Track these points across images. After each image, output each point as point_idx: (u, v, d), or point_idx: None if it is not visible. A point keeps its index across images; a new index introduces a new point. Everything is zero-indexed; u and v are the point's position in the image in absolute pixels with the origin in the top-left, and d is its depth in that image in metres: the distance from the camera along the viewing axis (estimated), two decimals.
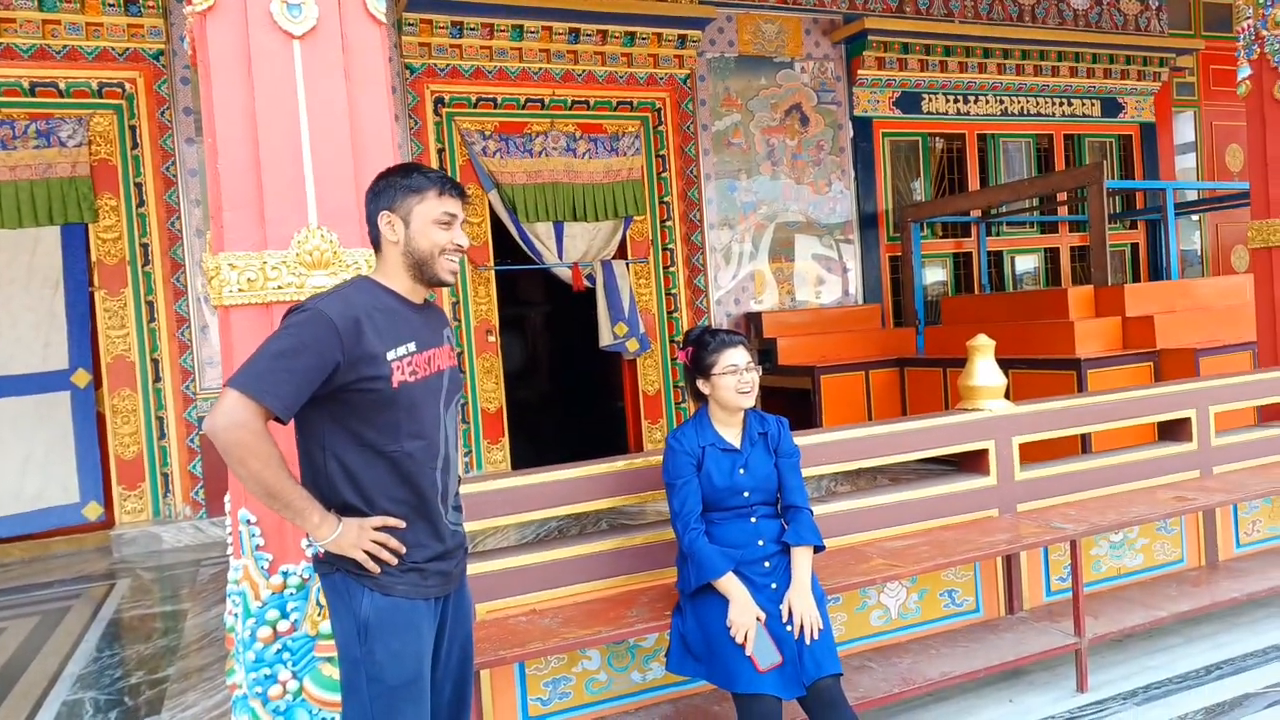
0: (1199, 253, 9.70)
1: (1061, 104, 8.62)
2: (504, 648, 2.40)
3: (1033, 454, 3.61)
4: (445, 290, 6.62)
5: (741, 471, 2.50)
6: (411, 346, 1.81)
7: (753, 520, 2.49)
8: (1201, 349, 5.72)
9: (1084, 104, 8.72)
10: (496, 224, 6.93)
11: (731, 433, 2.57)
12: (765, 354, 7.44)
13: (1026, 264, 8.98)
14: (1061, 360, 5.86)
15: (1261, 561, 3.82)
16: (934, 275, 8.52)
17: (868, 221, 7.98)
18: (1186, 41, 8.80)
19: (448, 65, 6.54)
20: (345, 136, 2.42)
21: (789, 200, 7.72)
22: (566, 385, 9.83)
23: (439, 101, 6.61)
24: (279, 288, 2.33)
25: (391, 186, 1.86)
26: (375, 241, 1.89)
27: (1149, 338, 5.93)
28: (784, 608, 2.36)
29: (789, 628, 2.35)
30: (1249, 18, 4.22)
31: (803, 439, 3.00)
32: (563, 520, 5.34)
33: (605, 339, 7.23)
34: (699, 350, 2.57)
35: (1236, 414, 4.18)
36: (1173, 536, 3.78)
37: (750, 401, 2.54)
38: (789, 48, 7.66)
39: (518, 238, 7.00)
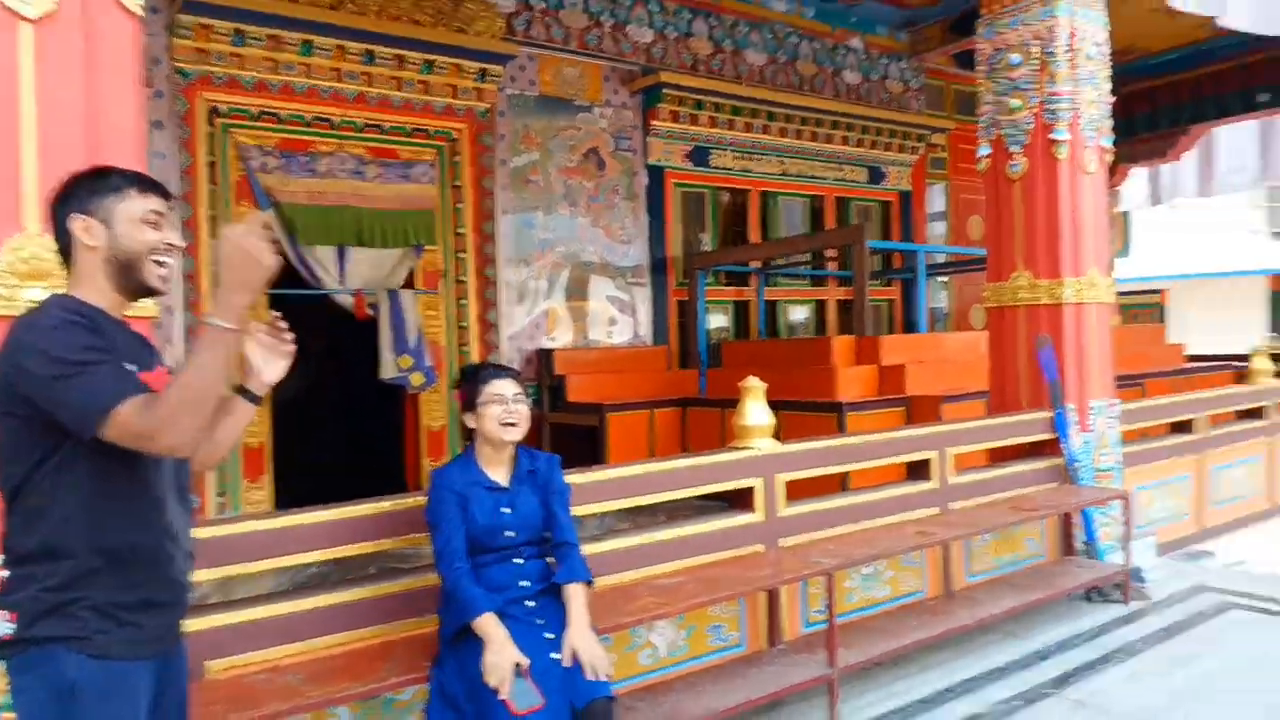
0: (946, 310, 10.79)
1: (833, 169, 9.35)
2: (235, 710, 2.18)
3: (800, 491, 3.82)
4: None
5: (507, 510, 2.44)
6: (133, 368, 1.62)
7: (517, 561, 2.44)
8: (945, 396, 6.31)
9: (853, 170, 9.51)
10: None
11: (499, 470, 2.51)
12: (556, 391, 7.43)
13: (799, 314, 9.60)
14: (825, 403, 6.27)
15: (989, 591, 4.23)
16: (718, 320, 8.91)
17: (658, 266, 8.23)
18: (940, 121, 9.84)
19: (226, 74, 6.09)
20: (79, 135, 2.17)
21: (585, 241, 7.82)
22: (344, 420, 9.34)
23: (213, 111, 6.14)
24: None
25: (82, 189, 1.68)
26: (65, 252, 1.68)
27: (901, 385, 6.46)
28: (566, 650, 2.30)
29: (555, 655, 2.30)
30: (989, 103, 4.78)
31: (575, 477, 2.99)
32: (325, 565, 5.01)
33: (387, 371, 6.93)
34: (467, 383, 2.53)
35: (972, 455, 4.63)
36: (915, 568, 4.11)
37: (514, 435, 2.49)
38: (589, 92, 7.82)
39: (295, 260, 6.58)
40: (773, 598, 3.57)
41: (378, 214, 6.81)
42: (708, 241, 8.70)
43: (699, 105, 8.15)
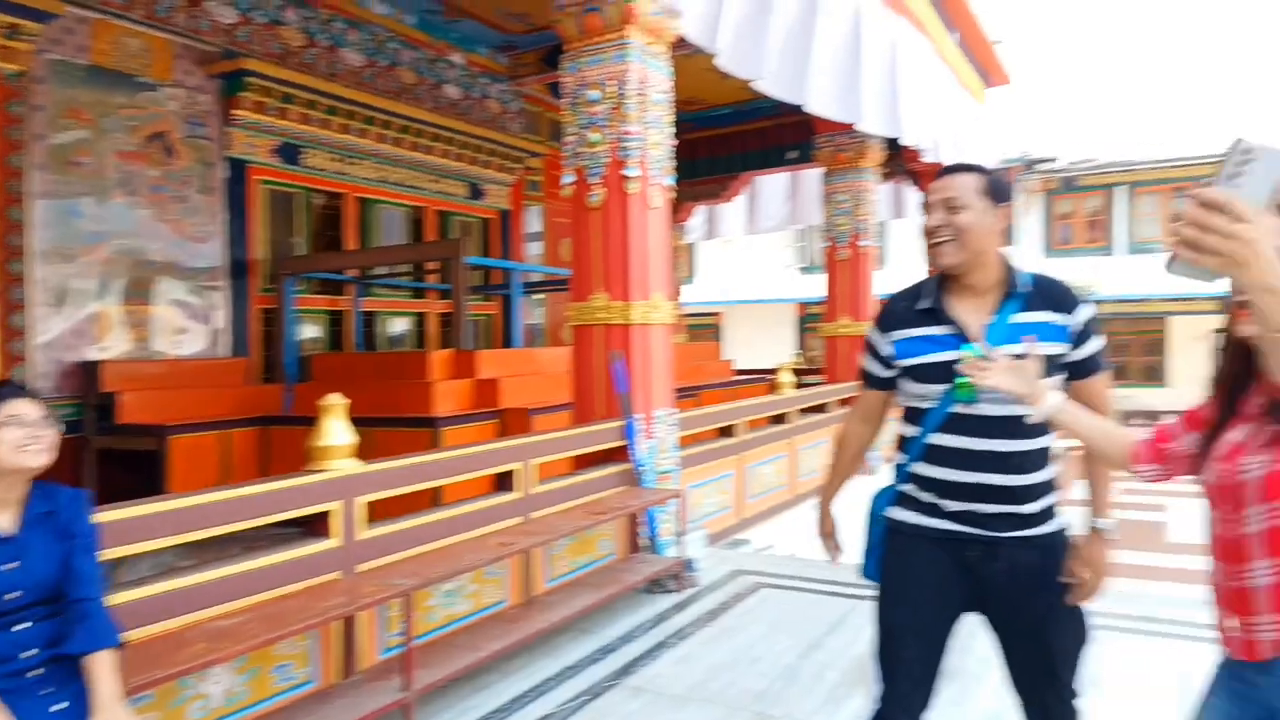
0: (542, 327, 11.34)
1: (434, 181, 9.35)
2: None
3: (392, 510, 3.73)
4: None
5: (11, 567, 2.01)
6: None
7: (21, 628, 2.02)
8: (535, 409, 6.61)
9: (453, 185, 9.60)
10: None
11: (3, 514, 2.06)
12: (104, 411, 6.43)
13: (400, 326, 9.43)
14: (421, 419, 6.22)
15: (566, 593, 4.49)
16: (311, 331, 8.41)
17: (239, 270, 7.53)
18: (536, 146, 10.34)
19: None
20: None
21: (147, 236, 6.88)
22: None
23: None
24: None
25: None
26: None
27: (495, 398, 6.65)
28: None
29: None
30: (573, 134, 5.11)
31: (110, 514, 2.60)
32: None
33: None
34: None
35: (558, 464, 4.90)
36: (497, 580, 4.22)
37: (39, 460, 2.06)
38: (155, 69, 6.92)
39: None
40: (349, 626, 3.43)
41: None
42: (300, 246, 8.17)
43: (288, 99, 7.64)
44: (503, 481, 4.37)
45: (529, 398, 6.88)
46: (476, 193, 9.89)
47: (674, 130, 5.37)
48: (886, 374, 2.23)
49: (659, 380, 5.26)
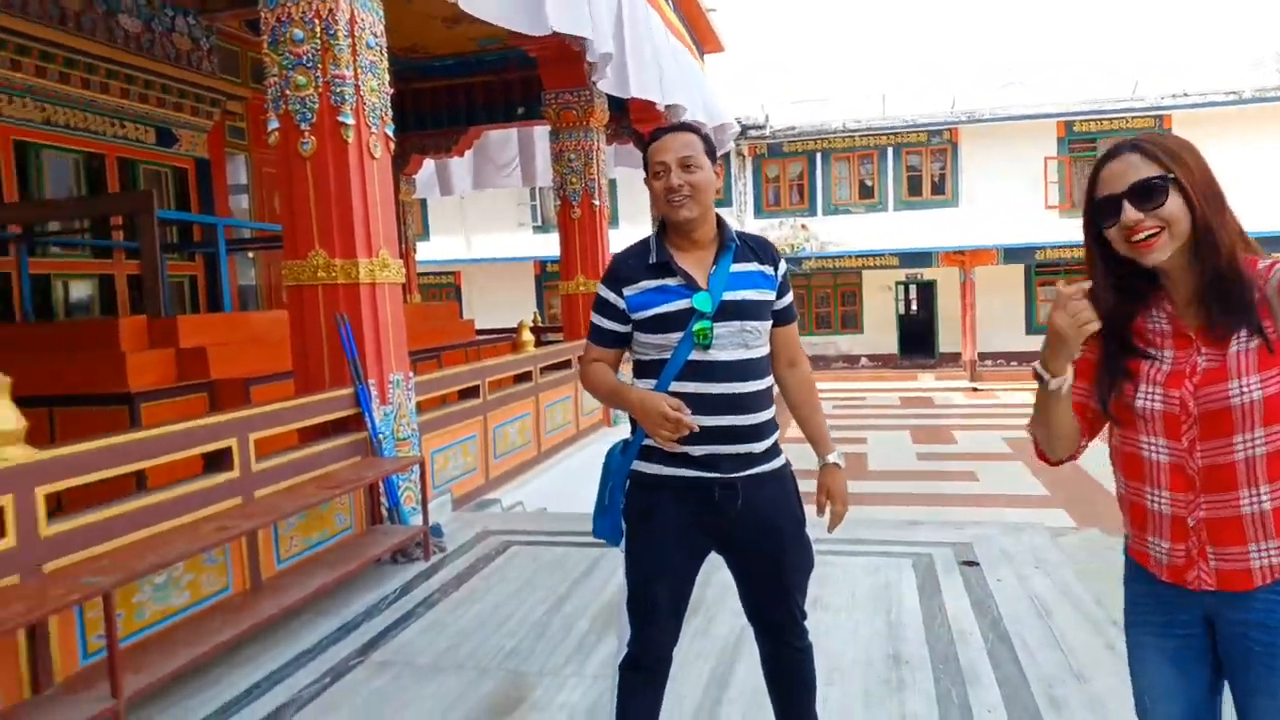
0: (256, 288, 10.40)
1: (115, 125, 8.16)
2: None
3: (88, 498, 3.23)
4: None
5: None
6: None
7: None
8: (253, 378, 6.06)
9: (138, 129, 8.43)
10: None
11: None
12: None
13: (82, 291, 8.21)
14: (113, 395, 5.48)
15: (299, 573, 4.18)
16: None
17: None
18: (235, 88, 9.33)
19: None
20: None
21: None
22: None
23: None
24: None
25: None
26: None
27: (204, 369, 6.01)
28: None
29: None
30: (276, 76, 4.63)
31: None
32: None
33: None
34: None
35: (281, 438, 4.51)
36: (218, 566, 3.84)
37: None
38: None
39: None
40: (37, 636, 2.95)
41: None
42: None
43: None
44: (218, 460, 3.96)
45: (244, 367, 6.29)
46: (167, 139, 8.77)
47: (391, 76, 5.05)
48: (623, 329, 2.25)
49: (391, 343, 5.00)
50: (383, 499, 4.97)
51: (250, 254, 10.08)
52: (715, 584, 3.81)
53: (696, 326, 2.13)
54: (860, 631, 3.67)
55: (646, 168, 2.25)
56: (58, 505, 3.45)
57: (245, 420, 4.01)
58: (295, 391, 4.94)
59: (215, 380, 6.02)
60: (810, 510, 2.34)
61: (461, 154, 12.56)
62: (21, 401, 3.07)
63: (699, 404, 2.13)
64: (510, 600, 4.26)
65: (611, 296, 2.24)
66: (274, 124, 4.66)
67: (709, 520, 2.20)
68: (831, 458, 2.32)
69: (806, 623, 2.34)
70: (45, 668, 2.97)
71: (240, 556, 3.97)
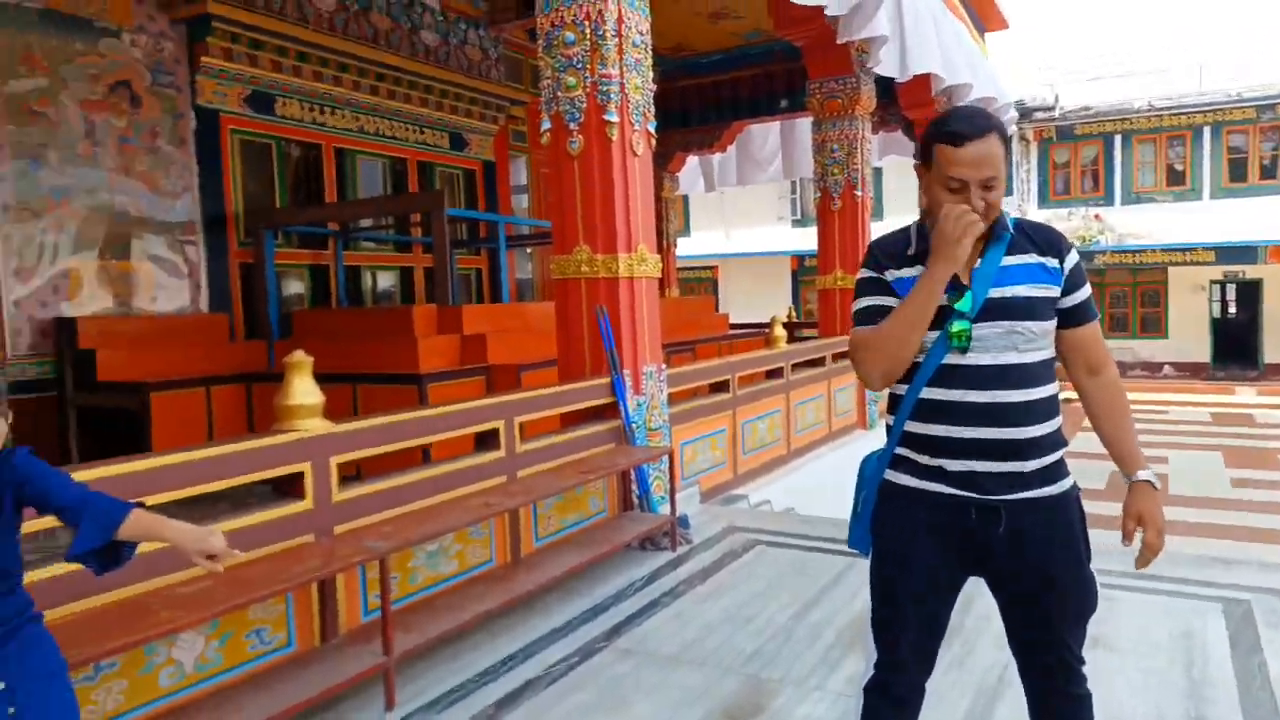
0: (532, 281, 11.13)
1: (414, 131, 9.07)
2: None
3: (380, 466, 3.59)
4: None
5: None
6: None
7: None
8: (525, 365, 6.46)
9: (434, 135, 9.31)
10: None
11: None
12: (81, 368, 6.25)
13: (386, 281, 9.22)
14: (406, 375, 6.07)
15: (554, 552, 4.37)
16: (293, 287, 8.19)
17: (215, 223, 7.30)
18: (519, 94, 10.03)
19: None
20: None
21: (116, 190, 6.64)
22: None
23: None
24: None
25: None
26: None
27: (482, 354, 6.48)
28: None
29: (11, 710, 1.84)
30: (549, 79, 4.86)
31: (86, 473, 2.43)
32: None
33: None
34: None
35: (545, 422, 4.75)
36: (483, 539, 4.10)
37: None
38: (114, 14, 6.60)
39: None
40: (327, 590, 3.30)
41: None
42: (277, 198, 7.91)
43: (257, 45, 7.34)
44: (484, 441, 4.23)
45: (517, 354, 6.72)
46: (459, 143, 9.61)
47: (656, 75, 5.13)
48: (896, 305, 1.98)
49: (647, 335, 5.09)
50: (634, 486, 5.07)
51: (529, 249, 10.80)
52: (976, 610, 3.48)
53: (954, 327, 1.88)
54: (1151, 684, 3.18)
55: (924, 153, 1.98)
56: (356, 472, 3.86)
57: (511, 404, 4.25)
58: (558, 379, 5.18)
59: (492, 365, 6.48)
60: (1113, 538, 2.01)
61: (723, 149, 12.64)
62: (332, 378, 3.45)
63: (953, 413, 1.90)
64: (755, 600, 4.17)
65: (875, 274, 2.02)
66: (546, 125, 4.90)
67: (964, 544, 1.96)
68: (1143, 475, 1.95)
69: (1082, 667, 2.02)
70: (332, 619, 3.32)
71: (503, 532, 4.22)
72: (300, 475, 3.23)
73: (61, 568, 2.44)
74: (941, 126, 1.93)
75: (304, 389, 3.26)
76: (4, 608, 1.96)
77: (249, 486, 3.21)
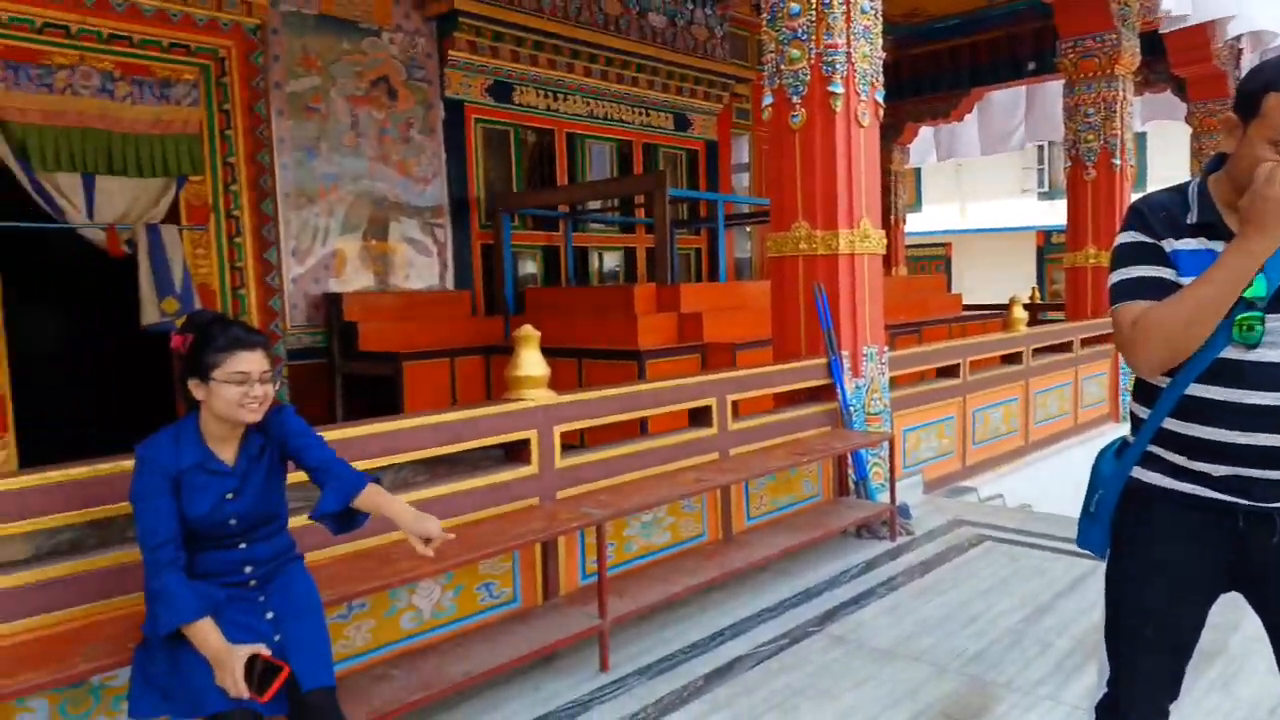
0: (751, 260, 11.07)
1: (640, 113, 9.26)
2: None
3: (603, 437, 3.75)
4: None
5: (230, 497, 2.11)
6: None
7: (240, 547, 2.16)
8: (740, 344, 6.45)
9: (659, 116, 9.46)
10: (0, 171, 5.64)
11: (226, 448, 2.14)
12: (346, 339, 6.99)
13: (612, 261, 9.54)
14: (627, 351, 6.25)
15: (766, 532, 4.34)
16: (527, 266, 8.68)
17: (460, 207, 7.87)
18: (743, 71, 9.95)
19: None
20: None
21: (376, 177, 7.33)
22: (105, 370, 8.42)
23: None
24: None
25: None
26: None
27: (699, 332, 6.54)
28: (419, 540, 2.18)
29: (277, 638, 2.10)
30: (772, 52, 4.77)
31: (330, 434, 2.74)
32: (82, 529, 4.47)
33: (150, 316, 6.25)
34: (201, 343, 2.08)
35: (757, 400, 4.73)
36: (695, 514, 4.14)
37: (255, 418, 2.12)
38: (376, 15, 7.25)
39: (30, 189, 5.76)
40: (549, 551, 3.48)
41: (131, 138, 6.08)
42: (514, 183, 8.40)
43: (498, 37, 7.79)
44: (696, 417, 4.27)
45: (733, 332, 6.72)
46: (683, 123, 9.71)
47: (887, 44, 4.88)
48: (1173, 277, 1.67)
49: (868, 315, 4.90)
50: (850, 472, 4.93)
51: (748, 228, 10.75)
52: (1245, 629, 3.07)
53: (1239, 316, 1.59)
54: None
55: (1245, 104, 1.61)
56: (580, 441, 4.04)
57: (724, 382, 4.26)
58: (773, 358, 5.12)
59: (708, 343, 6.52)
60: None
61: (960, 118, 11.87)
62: (559, 352, 3.62)
63: (1226, 415, 1.62)
64: (980, 599, 3.92)
65: (1148, 238, 1.70)
66: (768, 100, 4.82)
67: (1225, 554, 1.70)
68: None
69: None
70: (554, 579, 3.49)
71: (715, 508, 4.25)
72: (526, 442, 3.42)
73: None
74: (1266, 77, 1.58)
75: (532, 361, 3.44)
76: (273, 546, 2.23)
77: (484, 449, 3.45)
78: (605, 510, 3.31)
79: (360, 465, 2.96)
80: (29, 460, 5.71)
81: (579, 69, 8.50)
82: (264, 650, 2.01)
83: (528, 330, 3.44)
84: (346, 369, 7.11)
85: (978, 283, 20.34)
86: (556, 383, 3.59)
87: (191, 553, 2.10)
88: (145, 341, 6.58)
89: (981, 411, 6.51)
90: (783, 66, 4.68)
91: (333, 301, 7.05)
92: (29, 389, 6.10)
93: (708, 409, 4.18)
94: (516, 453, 3.47)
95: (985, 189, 23.07)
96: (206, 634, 1.99)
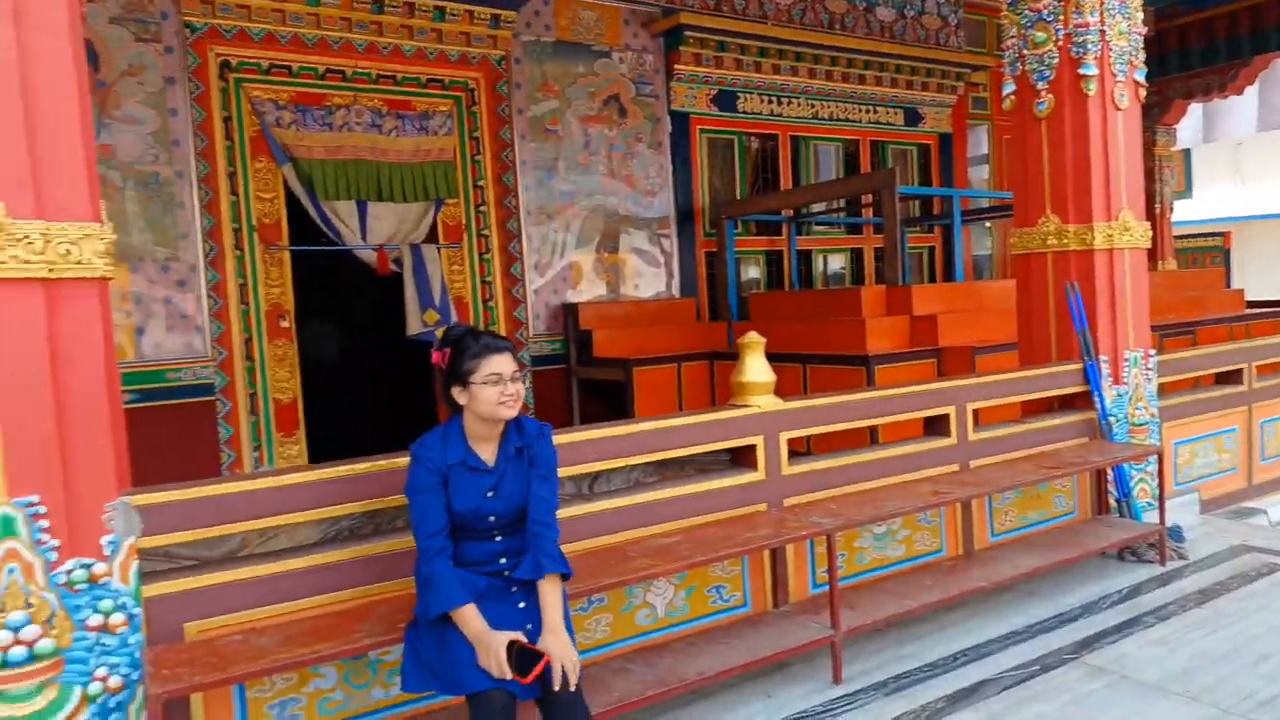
0: (990, 257, 10.41)
1: (867, 111, 8.99)
2: (201, 672, 2.16)
3: (829, 444, 3.69)
4: (232, 272, 6.17)
5: (490, 495, 2.31)
6: None
7: (496, 539, 2.34)
8: (979, 347, 6.08)
9: (888, 112, 9.14)
10: (292, 201, 6.47)
11: (486, 448, 2.35)
12: (582, 346, 7.36)
13: (837, 263, 9.34)
14: (854, 356, 6.09)
15: (1011, 550, 4.07)
16: (750, 272, 8.71)
17: (685, 216, 8.03)
18: (980, 59, 9.38)
19: (234, 27, 6.02)
20: (15, 88, 2.09)
21: (608, 192, 7.66)
22: (376, 376, 9.39)
23: (224, 65, 6.08)
24: None
25: None
26: None
27: (933, 336, 6.24)
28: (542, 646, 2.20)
29: (529, 626, 2.25)
30: (1013, 37, 4.47)
31: (564, 437, 2.90)
32: (357, 519, 5.03)
33: (414, 327, 6.92)
34: (457, 354, 2.31)
35: (1001, 409, 4.44)
36: (933, 527, 3.96)
37: (512, 413, 2.31)
38: (608, 36, 7.58)
39: (315, 216, 6.56)
40: (777, 558, 3.47)
41: (396, 167, 6.75)
42: (737, 189, 8.46)
43: (722, 47, 7.87)
44: (933, 426, 4.07)
45: (972, 335, 6.35)
46: (913, 118, 9.31)
47: (1147, 17, 4.42)
48: None
49: (1130, 315, 4.45)
50: (1110, 488, 4.50)
51: (986, 224, 10.12)
52: None
53: None
54: None
55: None
56: (806, 448, 4.00)
57: (965, 389, 4.03)
58: (1019, 363, 4.79)
59: (943, 347, 6.21)
60: None
61: (1240, 91, 10.45)
62: (783, 357, 3.61)
63: None
64: (1272, 636, 3.45)
65: None
66: (1009, 88, 4.53)
67: None
68: None
69: None
70: (783, 587, 3.47)
71: (954, 522, 4.03)
72: (752, 448, 3.43)
73: (564, 511, 2.89)
74: None
75: (757, 367, 3.45)
76: (525, 541, 2.40)
77: (712, 453, 3.50)
78: (835, 520, 3.25)
79: (595, 466, 3.13)
80: (315, 457, 6.50)
81: (803, 71, 8.40)
82: (523, 638, 2.17)
83: (753, 336, 3.45)
84: (582, 374, 7.47)
85: (1264, 276, 17.82)
86: (781, 388, 3.57)
87: (456, 542, 2.30)
88: (410, 350, 7.29)
89: (1271, 423, 5.71)
90: (1025, 51, 4.38)
91: (569, 311, 7.45)
92: (315, 393, 6.94)
93: (945, 417, 3.98)
94: (743, 458, 3.49)
95: (1271, 170, 20.15)
96: (471, 618, 2.18)
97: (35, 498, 2.13)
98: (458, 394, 2.31)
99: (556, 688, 2.14)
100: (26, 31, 2.10)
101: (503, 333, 6.97)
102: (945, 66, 9.14)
